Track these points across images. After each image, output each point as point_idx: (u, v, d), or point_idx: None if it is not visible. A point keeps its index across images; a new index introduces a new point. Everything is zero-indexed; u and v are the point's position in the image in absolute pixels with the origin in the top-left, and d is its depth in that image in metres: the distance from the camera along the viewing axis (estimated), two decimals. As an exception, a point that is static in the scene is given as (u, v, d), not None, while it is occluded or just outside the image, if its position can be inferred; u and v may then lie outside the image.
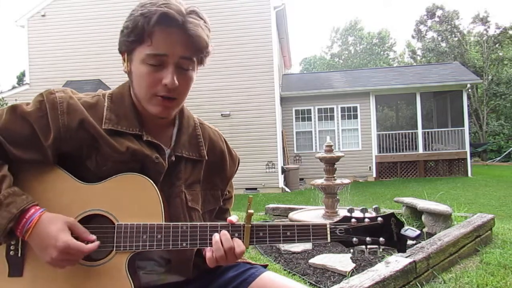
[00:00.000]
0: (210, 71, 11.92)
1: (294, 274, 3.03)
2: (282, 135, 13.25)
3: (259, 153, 11.96)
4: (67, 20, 12.58)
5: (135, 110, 1.02)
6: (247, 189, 11.85)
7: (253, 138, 12.02)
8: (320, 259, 3.25)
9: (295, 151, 14.09)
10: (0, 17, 66.95)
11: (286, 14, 13.70)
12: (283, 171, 12.35)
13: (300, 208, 5.24)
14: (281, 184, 12.12)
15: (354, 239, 0.98)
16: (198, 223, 0.99)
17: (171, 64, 0.95)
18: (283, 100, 13.83)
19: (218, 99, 12.03)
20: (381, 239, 0.99)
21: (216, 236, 0.96)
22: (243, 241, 0.96)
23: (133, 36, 0.94)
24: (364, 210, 1.01)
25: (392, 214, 1.00)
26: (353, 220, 0.99)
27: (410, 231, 0.97)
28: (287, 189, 12.22)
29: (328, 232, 0.98)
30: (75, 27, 12.43)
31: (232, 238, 0.96)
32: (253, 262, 1.14)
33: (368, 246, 1.00)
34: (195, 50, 0.96)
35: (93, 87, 11.38)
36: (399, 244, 0.99)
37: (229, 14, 12.08)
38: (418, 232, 0.97)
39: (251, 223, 0.98)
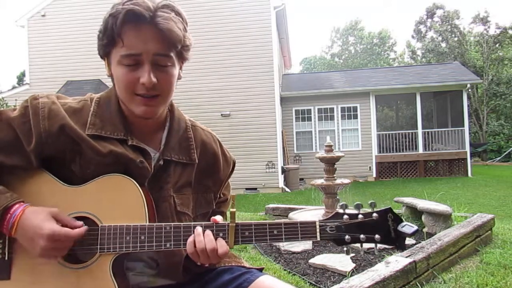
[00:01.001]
0: (210, 71, 11.93)
1: (294, 274, 3.03)
2: (282, 135, 13.25)
3: (259, 153, 11.96)
4: (67, 20, 12.58)
5: (121, 114, 1.01)
6: (247, 189, 11.85)
7: (253, 138, 12.02)
8: (320, 259, 3.25)
9: (295, 151, 14.09)
10: (0, 17, 66.96)
11: (286, 14, 13.69)
12: (283, 171, 12.35)
13: (300, 208, 5.23)
14: (281, 184, 12.12)
15: (347, 236, 0.93)
16: (182, 223, 0.97)
17: (147, 62, 0.93)
18: (283, 100, 13.83)
19: (218, 99, 12.03)
20: (377, 236, 0.93)
21: (200, 239, 0.93)
22: (227, 241, 0.94)
23: (106, 39, 0.94)
24: (359, 206, 0.95)
25: (389, 209, 0.94)
26: (345, 216, 0.94)
27: (407, 227, 0.92)
28: (287, 189, 12.22)
29: (318, 230, 0.94)
30: (75, 27, 12.42)
31: (216, 238, 0.94)
32: (248, 266, 1.11)
33: (364, 244, 0.95)
34: (169, 45, 0.94)
35: (93, 87, 11.38)
36: (397, 241, 0.93)
37: (229, 14, 12.08)
38: (415, 227, 0.91)
39: (236, 222, 0.95)
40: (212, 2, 12.08)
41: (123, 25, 0.90)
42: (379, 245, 0.95)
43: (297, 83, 15.46)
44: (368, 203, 0.97)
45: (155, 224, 0.95)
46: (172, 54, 0.95)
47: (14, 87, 16.11)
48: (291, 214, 4.70)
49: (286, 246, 3.68)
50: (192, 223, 0.97)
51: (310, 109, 14.14)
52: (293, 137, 14.14)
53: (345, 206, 0.97)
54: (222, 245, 0.93)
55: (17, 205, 0.91)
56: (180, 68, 1.04)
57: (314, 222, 0.94)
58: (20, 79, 28.39)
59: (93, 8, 12.45)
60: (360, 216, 0.94)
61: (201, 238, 0.93)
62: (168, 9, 0.93)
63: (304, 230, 0.94)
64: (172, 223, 0.96)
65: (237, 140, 11.57)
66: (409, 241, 3.69)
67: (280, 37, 14.90)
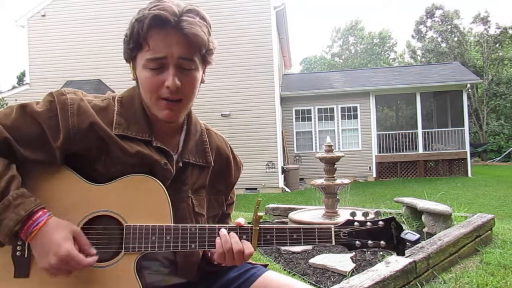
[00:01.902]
0: (210, 71, 11.56)
1: (294, 274, 3.03)
2: (282, 135, 13.25)
3: (259, 153, 11.96)
4: (67, 20, 12.58)
5: (145, 115, 1.02)
6: (247, 189, 11.86)
7: (253, 138, 12.02)
8: (320, 259, 3.25)
9: (295, 151, 14.09)
10: (0, 17, 66.99)
11: (286, 14, 13.70)
12: (283, 171, 12.35)
13: (300, 208, 5.23)
14: (281, 184, 12.12)
15: (357, 242, 1.01)
16: (207, 225, 1.00)
17: (171, 65, 0.94)
18: (283, 100, 13.83)
19: (218, 99, 12.02)
20: (382, 242, 1.01)
21: (227, 241, 0.97)
22: (251, 243, 0.98)
23: (132, 43, 0.95)
24: (365, 214, 1.03)
25: (392, 218, 1.03)
26: (355, 223, 1.02)
27: (410, 234, 1.00)
28: (287, 189, 12.22)
29: (333, 235, 1.00)
30: (75, 27, 12.42)
31: (241, 240, 0.98)
32: (254, 262, 1.15)
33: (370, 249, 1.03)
34: (193, 49, 0.95)
35: (93, 87, 11.38)
36: (399, 248, 1.02)
37: (228, 14, 12.08)
38: (417, 236, 1.00)
39: (260, 226, 0.99)
40: (212, 2, 12.06)
41: (149, 29, 0.92)
42: (383, 250, 1.02)
43: (297, 83, 15.46)
44: (374, 212, 1.06)
45: (180, 225, 0.97)
46: (196, 58, 0.97)
47: (14, 87, 16.11)
48: (291, 214, 4.70)
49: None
50: (217, 225, 1.00)
51: (310, 109, 14.14)
52: (293, 137, 14.14)
53: (354, 214, 1.04)
54: (248, 247, 0.97)
55: (40, 213, 0.89)
56: (204, 72, 1.05)
57: (330, 228, 1.01)
58: (20, 79, 28.39)
59: (93, 8, 12.46)
60: (368, 223, 1.03)
61: (228, 238, 0.97)
62: (193, 13, 0.95)
63: (321, 235, 1.01)
64: (197, 225, 0.99)
65: (237, 140, 11.56)
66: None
67: (280, 37, 14.90)
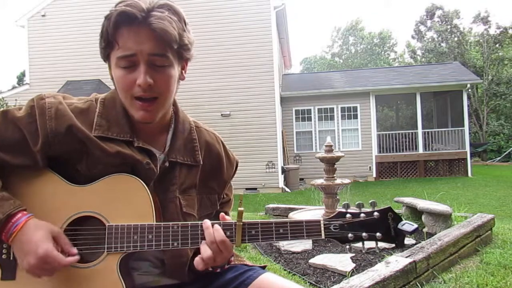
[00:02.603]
0: (210, 71, 11.92)
1: (294, 274, 3.04)
2: (282, 135, 13.25)
3: (259, 153, 11.96)
4: (67, 20, 12.58)
5: (126, 115, 1.00)
6: (247, 189, 11.85)
7: (253, 138, 12.02)
8: (320, 259, 3.25)
9: (295, 151, 14.09)
10: (0, 17, 66.98)
11: (286, 14, 13.70)
12: (283, 171, 12.35)
13: (300, 208, 5.24)
14: (281, 184, 12.12)
15: (350, 235, 0.96)
16: (189, 222, 0.97)
17: (142, 63, 0.92)
18: (283, 100, 13.83)
19: (218, 99, 12.03)
20: (378, 234, 0.96)
21: (207, 225, 0.94)
22: (234, 239, 0.95)
23: (103, 42, 0.94)
24: (360, 205, 0.98)
25: (389, 208, 0.98)
26: (348, 215, 0.97)
27: (407, 225, 0.95)
28: (287, 189, 12.22)
29: (322, 229, 0.96)
30: (75, 27, 12.43)
31: (213, 230, 0.94)
32: (251, 264, 1.13)
33: (366, 243, 0.98)
34: (164, 45, 0.92)
35: (93, 87, 11.38)
36: (397, 239, 0.97)
37: (229, 14, 12.08)
38: (415, 226, 0.94)
39: (244, 221, 0.96)
40: (212, 2, 12.07)
41: (116, 27, 0.90)
42: (379, 243, 0.98)
43: (297, 83, 15.46)
44: (369, 203, 1.00)
45: (162, 223, 0.96)
46: (168, 54, 0.94)
47: (14, 87, 16.11)
48: (291, 214, 4.70)
49: (286, 246, 3.68)
50: (199, 222, 0.97)
51: (310, 109, 14.14)
52: (293, 137, 14.14)
53: (347, 206, 0.99)
54: (219, 234, 0.94)
55: (19, 214, 0.90)
56: (183, 68, 1.03)
57: (319, 221, 0.97)
58: (20, 79, 28.39)
59: (93, 8, 12.44)
60: (362, 215, 0.97)
61: (210, 230, 0.94)
62: (163, 8, 0.92)
63: (309, 229, 0.96)
64: (180, 222, 0.96)
65: (237, 140, 11.56)
66: (409, 241, 3.69)
67: (280, 37, 14.90)
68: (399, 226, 0.96)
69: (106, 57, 0.97)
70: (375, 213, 0.97)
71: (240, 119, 12.07)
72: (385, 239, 0.97)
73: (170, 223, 0.96)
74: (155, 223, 0.95)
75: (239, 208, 0.96)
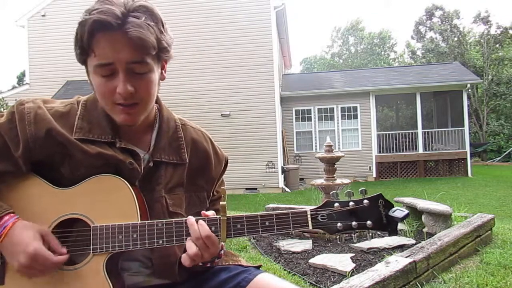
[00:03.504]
0: (210, 71, 11.93)
1: (294, 274, 3.03)
2: (282, 135, 13.25)
3: (259, 153, 11.96)
4: (67, 20, 12.56)
5: (108, 117, 1.00)
6: (247, 189, 11.86)
7: (253, 138, 12.02)
8: (320, 259, 3.25)
9: (295, 151, 14.10)
10: (0, 17, 66.99)
11: (286, 14, 13.70)
12: (283, 171, 12.35)
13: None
14: (281, 184, 12.12)
15: (339, 224, 0.93)
16: (174, 219, 0.96)
17: (121, 71, 0.90)
18: (283, 100, 13.83)
19: (218, 99, 12.02)
20: (369, 222, 0.93)
21: (191, 221, 0.93)
22: (220, 234, 0.94)
23: (78, 48, 0.92)
24: (349, 194, 0.96)
25: (380, 195, 0.95)
26: (336, 204, 0.95)
27: (398, 211, 0.93)
28: (287, 189, 12.22)
29: (309, 219, 0.94)
30: (75, 27, 12.38)
31: (198, 226, 0.93)
32: (246, 264, 1.11)
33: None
34: (142, 52, 0.90)
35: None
36: (389, 226, 0.94)
37: (229, 14, 12.08)
38: (406, 211, 0.93)
39: (228, 215, 0.95)
40: (212, 2, 12.07)
41: (91, 35, 0.88)
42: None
43: (297, 83, 15.46)
44: (359, 191, 0.97)
45: (146, 221, 0.95)
46: (148, 60, 0.92)
47: (14, 87, 16.12)
48: (291, 214, 4.70)
49: (286, 246, 3.68)
50: (183, 219, 0.96)
51: (310, 109, 14.14)
52: (293, 137, 14.14)
53: (336, 195, 0.98)
54: (204, 229, 0.92)
55: (7, 217, 0.90)
56: (163, 68, 1.01)
57: (305, 211, 0.95)
58: (20, 79, 28.39)
59: (93, 8, 12.45)
60: (351, 203, 0.95)
61: (195, 227, 0.93)
62: (139, 12, 0.89)
63: (295, 220, 0.95)
64: (164, 220, 0.96)
65: (237, 140, 11.57)
66: (409, 241, 3.70)
67: (280, 37, 14.90)
68: (390, 212, 0.94)
69: (82, 62, 0.96)
70: (365, 201, 0.95)
71: (240, 119, 12.07)
72: (377, 227, 0.94)
73: (155, 221, 0.95)
74: (139, 221, 0.94)
75: (221, 203, 0.95)
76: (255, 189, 11.95)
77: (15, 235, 0.89)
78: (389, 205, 0.95)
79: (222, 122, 11.87)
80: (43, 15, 12.73)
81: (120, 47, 0.88)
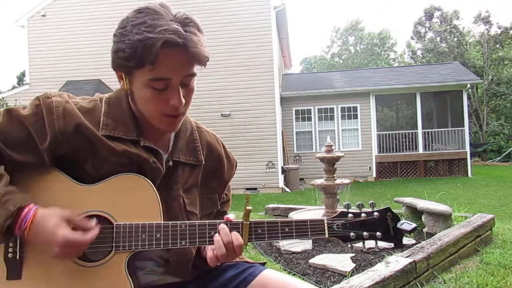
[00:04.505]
0: (210, 71, 11.91)
1: (294, 274, 3.04)
2: (282, 135, 13.25)
3: (259, 153, 11.96)
4: (67, 20, 12.58)
5: (132, 115, 1.01)
6: (247, 189, 11.85)
7: (253, 138, 12.02)
8: (320, 259, 3.25)
9: (295, 151, 14.09)
10: (0, 17, 66.98)
11: (286, 14, 13.70)
12: (283, 171, 12.35)
13: (300, 208, 5.24)
14: (281, 184, 12.12)
15: (351, 233, 0.99)
16: (197, 221, 0.99)
17: (177, 85, 0.94)
18: (283, 100, 13.83)
19: (218, 99, 12.03)
20: (378, 233, 0.99)
21: (217, 236, 0.96)
22: (242, 238, 0.97)
23: (134, 62, 0.91)
24: (360, 206, 1.02)
25: (388, 209, 1.01)
26: (350, 215, 1.00)
27: (406, 224, 0.98)
28: (287, 189, 12.22)
29: (326, 228, 0.99)
30: (75, 27, 12.43)
31: (230, 232, 0.97)
32: (252, 261, 1.14)
33: (366, 242, 1.01)
34: (196, 66, 0.96)
35: (93, 87, 11.37)
36: (396, 238, 1.00)
37: (229, 14, 12.09)
38: (414, 225, 0.98)
39: (250, 220, 0.98)
40: (212, 2, 12.07)
41: (158, 52, 0.88)
42: (379, 243, 1.01)
43: (297, 83, 15.46)
44: (369, 203, 1.03)
45: (170, 222, 0.96)
46: (195, 72, 0.97)
47: (14, 87, 16.11)
48: (291, 214, 4.70)
49: (286, 246, 3.68)
50: (207, 221, 0.99)
51: (310, 109, 14.14)
52: (293, 137, 14.14)
53: (348, 206, 1.02)
54: (237, 238, 0.96)
55: (27, 209, 0.90)
56: None
57: (323, 220, 1.00)
58: (20, 79, 28.40)
59: (93, 8, 12.46)
60: (363, 214, 1.00)
61: (218, 238, 0.96)
62: (192, 27, 0.93)
63: (313, 228, 0.99)
64: (187, 221, 0.98)
65: (237, 140, 11.56)
66: (409, 241, 3.70)
67: (280, 37, 14.90)
68: (398, 225, 0.99)
69: (127, 72, 0.95)
70: (375, 213, 1.00)
71: (240, 119, 12.07)
72: (385, 238, 1.00)
73: (178, 222, 0.97)
74: (162, 222, 0.96)
75: (247, 207, 0.98)
76: (255, 189, 11.95)
77: (39, 225, 0.89)
78: (396, 218, 1.00)
79: (222, 122, 11.88)
80: (43, 15, 12.72)
81: (181, 64, 0.92)
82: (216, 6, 12.05)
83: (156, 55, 0.88)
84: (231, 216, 1.00)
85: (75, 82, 12.02)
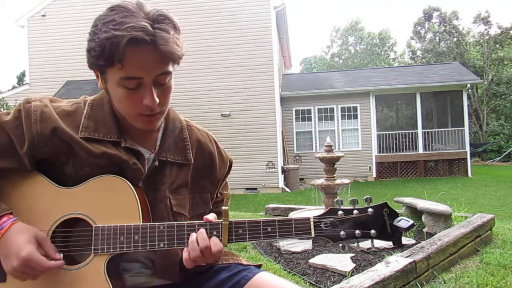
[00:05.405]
0: (210, 71, 11.93)
1: (294, 274, 3.03)
2: (282, 135, 13.25)
3: (259, 153, 11.96)
4: (67, 20, 12.58)
5: (114, 117, 1.00)
6: (247, 189, 11.85)
7: (253, 138, 12.02)
8: (320, 259, 3.25)
9: (295, 151, 14.09)
10: (0, 17, 66.97)
11: (286, 14, 13.70)
12: (283, 171, 12.35)
13: (300, 208, 5.24)
14: (281, 184, 12.12)
15: (342, 232, 0.92)
16: (175, 222, 0.96)
17: (149, 84, 0.91)
18: (283, 100, 13.83)
19: (218, 99, 12.03)
20: (373, 231, 0.92)
21: (193, 236, 0.93)
22: (221, 239, 0.93)
23: (103, 60, 0.90)
24: (354, 201, 0.94)
25: (385, 204, 0.93)
26: (340, 212, 0.93)
27: (403, 221, 0.91)
28: (287, 189, 12.22)
29: (312, 227, 0.93)
30: (75, 27, 12.41)
31: (210, 237, 0.93)
32: (246, 263, 1.11)
33: (361, 242, 0.94)
34: (169, 64, 0.93)
35: (93, 87, 11.37)
36: (394, 236, 0.92)
37: (229, 14, 12.08)
38: (411, 222, 0.90)
39: (230, 220, 0.94)
40: (212, 2, 12.07)
41: (124, 50, 0.87)
42: (376, 241, 0.94)
43: (297, 83, 15.45)
44: (364, 198, 0.95)
45: (148, 223, 0.95)
46: (171, 70, 0.95)
47: (14, 87, 16.11)
48: (291, 214, 4.70)
49: (286, 246, 3.68)
50: (186, 222, 0.96)
51: (310, 109, 14.14)
52: (293, 137, 14.14)
53: (340, 202, 0.96)
54: (215, 243, 0.92)
55: (5, 218, 0.91)
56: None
57: (308, 219, 0.93)
58: (20, 79, 28.40)
59: (93, 8, 12.43)
60: (355, 211, 0.93)
61: (193, 238, 0.93)
62: (164, 24, 0.89)
63: (298, 227, 0.93)
64: (166, 223, 0.95)
65: (237, 140, 11.57)
66: (409, 241, 3.70)
67: (280, 37, 14.90)
68: (395, 222, 0.91)
69: (100, 70, 0.94)
70: (369, 209, 0.93)
71: (240, 119, 12.07)
72: (381, 237, 0.92)
73: (156, 223, 0.95)
74: (141, 223, 0.94)
75: (224, 207, 0.95)
76: (255, 189, 11.95)
77: (10, 237, 0.89)
78: (394, 214, 0.92)
79: (222, 122, 11.87)
80: (43, 15, 12.72)
81: (151, 62, 0.89)
82: (216, 6, 12.05)
83: (122, 53, 0.87)
84: (210, 216, 0.97)
85: (75, 82, 12.02)
